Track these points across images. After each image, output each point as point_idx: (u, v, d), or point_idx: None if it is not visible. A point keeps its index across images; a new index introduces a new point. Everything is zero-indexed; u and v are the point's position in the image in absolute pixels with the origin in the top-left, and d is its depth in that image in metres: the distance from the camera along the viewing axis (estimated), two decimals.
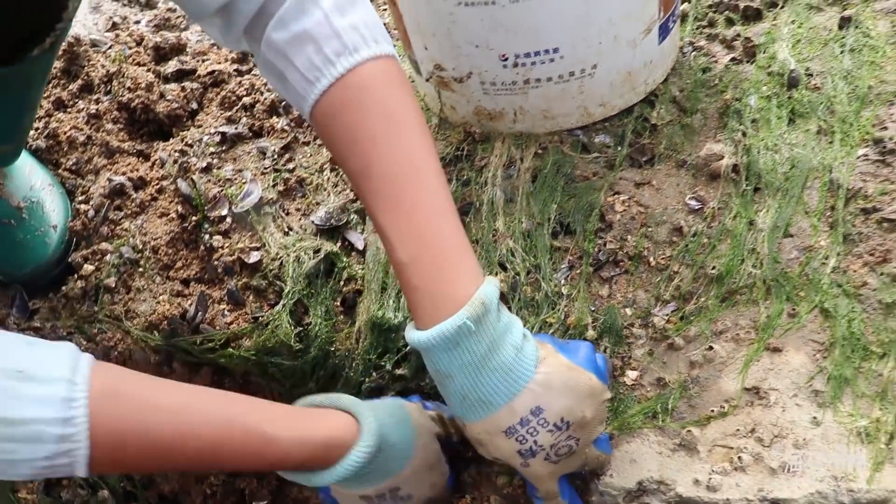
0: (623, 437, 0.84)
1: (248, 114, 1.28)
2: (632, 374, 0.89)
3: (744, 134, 1.02)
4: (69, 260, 1.16)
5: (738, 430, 0.79)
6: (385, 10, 1.41)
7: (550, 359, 0.72)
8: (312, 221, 1.08)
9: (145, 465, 0.63)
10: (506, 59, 1.04)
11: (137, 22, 1.62)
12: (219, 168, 1.21)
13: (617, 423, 0.85)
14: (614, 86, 1.10)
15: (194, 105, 1.33)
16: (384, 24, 0.78)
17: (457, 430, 0.86)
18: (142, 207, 1.18)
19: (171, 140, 1.28)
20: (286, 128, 1.25)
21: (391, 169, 0.71)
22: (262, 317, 1.00)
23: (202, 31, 1.57)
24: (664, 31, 1.09)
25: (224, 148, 1.24)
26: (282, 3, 0.72)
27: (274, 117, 1.28)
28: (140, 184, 1.21)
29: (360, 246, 1.06)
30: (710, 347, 0.86)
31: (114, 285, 1.10)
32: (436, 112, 1.21)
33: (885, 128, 0.95)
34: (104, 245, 1.14)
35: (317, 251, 1.04)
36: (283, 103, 1.28)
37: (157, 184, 1.21)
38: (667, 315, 0.91)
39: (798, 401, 0.79)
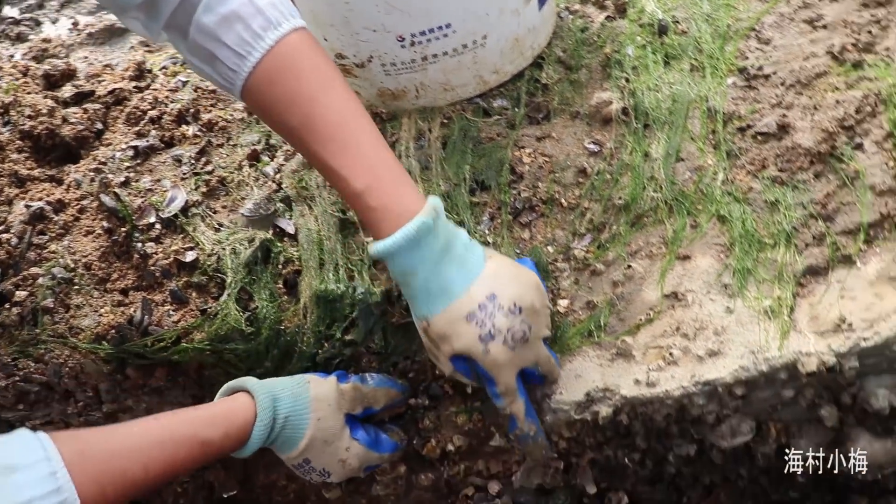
0: (566, 358, 0.93)
1: (156, 126, 1.31)
2: (563, 303, 0.98)
3: (627, 80, 1.13)
4: None
5: (665, 331, 0.89)
6: None
7: (496, 256, 0.84)
8: (242, 214, 1.12)
9: (125, 496, 0.71)
10: (403, 40, 1.11)
11: (12, 56, 1.61)
12: (136, 181, 1.23)
13: (557, 347, 0.94)
14: (504, 53, 1.19)
15: (99, 125, 1.34)
16: None
17: (377, 398, 0.93)
18: (66, 229, 1.19)
19: (82, 161, 1.29)
20: (198, 133, 1.28)
21: (334, 118, 0.81)
22: (210, 308, 1.04)
23: (89, 56, 1.57)
24: (542, 0, 1.19)
25: (139, 161, 1.26)
26: None
27: (183, 126, 1.30)
28: (59, 207, 1.22)
29: (291, 231, 1.11)
30: (629, 266, 0.96)
31: (52, 306, 1.10)
32: None
33: (746, 58, 1.08)
34: (34, 269, 1.14)
35: (251, 240, 1.09)
36: (191, 111, 1.31)
37: (77, 204, 1.22)
38: (585, 246, 1.01)
39: (712, 296, 0.90)
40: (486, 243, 1.02)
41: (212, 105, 1.34)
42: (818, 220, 0.89)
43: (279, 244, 1.09)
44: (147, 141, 1.28)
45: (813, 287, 0.86)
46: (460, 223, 1.05)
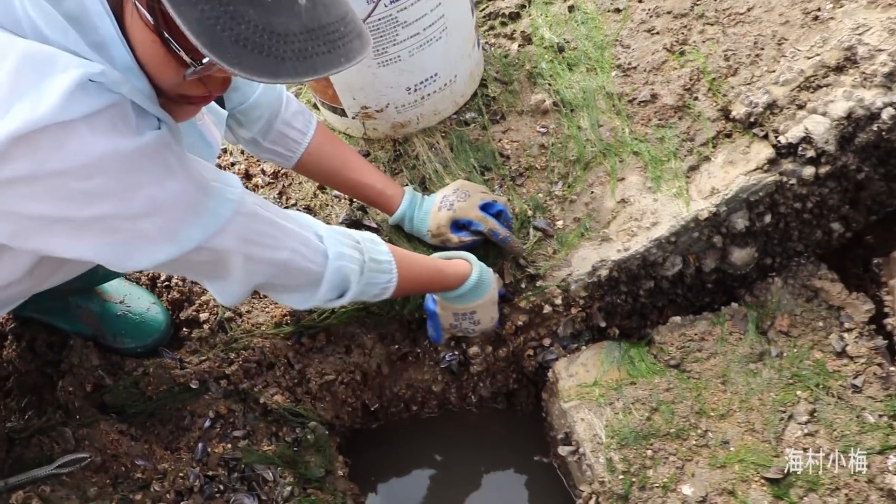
0: (572, 252, 1.62)
1: None
2: (559, 223, 1.66)
3: (550, 84, 1.82)
4: (181, 317, 1.68)
5: (624, 220, 1.60)
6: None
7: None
8: (340, 221, 1.71)
9: (406, 287, 1.35)
10: (409, 90, 1.74)
11: None
12: None
13: (565, 248, 1.62)
14: (466, 83, 1.85)
15: None
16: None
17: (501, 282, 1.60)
18: None
19: None
20: (270, 181, 1.84)
21: (354, 157, 1.59)
22: None
23: None
24: (478, 43, 1.85)
25: None
26: (279, 103, 1.47)
27: (253, 179, 1.86)
28: None
29: (374, 226, 1.71)
30: (592, 192, 1.66)
31: (231, 316, 1.65)
32: (360, 136, 1.87)
33: (619, 59, 1.80)
34: (204, 297, 1.68)
35: None
36: (260, 166, 1.86)
37: None
38: (561, 188, 1.69)
39: (643, 196, 1.61)
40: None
41: (265, 162, 1.90)
42: (687, 142, 1.63)
43: None
44: None
45: (694, 176, 1.60)
46: None
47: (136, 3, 0.82)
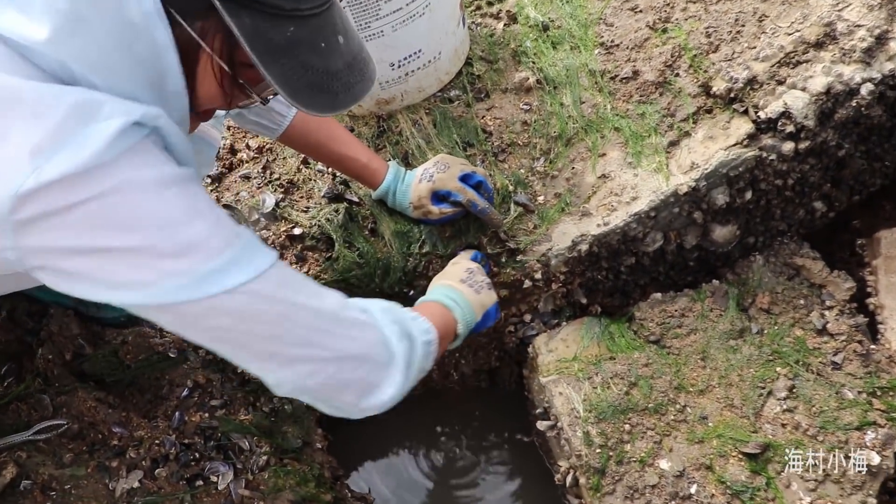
0: (553, 227, 1.62)
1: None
2: (541, 199, 1.66)
3: (534, 63, 1.82)
4: None
5: (605, 195, 1.60)
6: None
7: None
8: (323, 195, 1.71)
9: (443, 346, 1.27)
10: (393, 65, 1.74)
11: None
12: (222, 197, 1.78)
13: (546, 222, 1.62)
14: (451, 61, 1.85)
15: None
16: None
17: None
18: None
19: None
20: (254, 156, 1.84)
21: (341, 130, 1.57)
22: (332, 255, 1.64)
23: None
24: (464, 21, 1.85)
25: (215, 186, 1.81)
26: None
27: (238, 154, 1.86)
28: None
29: (356, 200, 1.71)
30: (573, 168, 1.66)
31: None
32: (345, 113, 1.88)
33: (602, 37, 1.80)
34: None
35: (337, 211, 1.69)
36: (245, 141, 1.87)
37: None
38: (542, 164, 1.69)
39: (624, 171, 1.61)
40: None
41: (250, 137, 1.90)
42: (668, 118, 1.63)
43: (355, 209, 1.69)
44: (215, 169, 1.83)
45: (674, 151, 1.60)
46: None
47: (214, 56, 0.92)
